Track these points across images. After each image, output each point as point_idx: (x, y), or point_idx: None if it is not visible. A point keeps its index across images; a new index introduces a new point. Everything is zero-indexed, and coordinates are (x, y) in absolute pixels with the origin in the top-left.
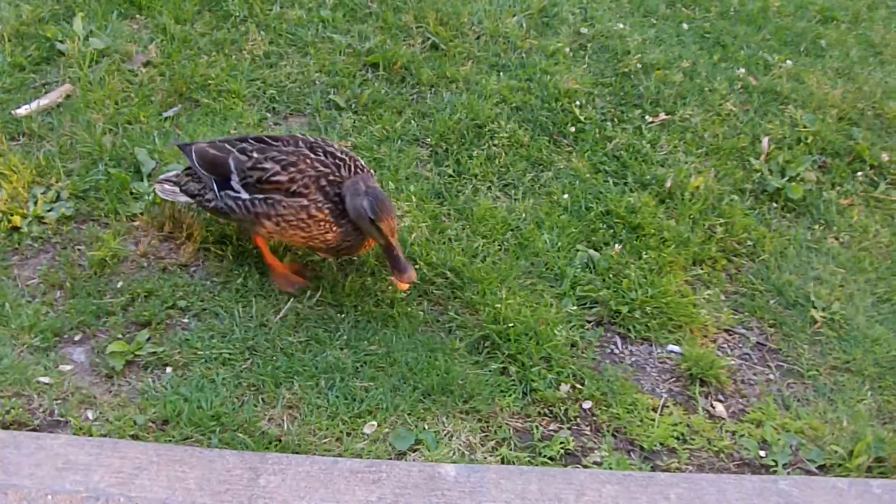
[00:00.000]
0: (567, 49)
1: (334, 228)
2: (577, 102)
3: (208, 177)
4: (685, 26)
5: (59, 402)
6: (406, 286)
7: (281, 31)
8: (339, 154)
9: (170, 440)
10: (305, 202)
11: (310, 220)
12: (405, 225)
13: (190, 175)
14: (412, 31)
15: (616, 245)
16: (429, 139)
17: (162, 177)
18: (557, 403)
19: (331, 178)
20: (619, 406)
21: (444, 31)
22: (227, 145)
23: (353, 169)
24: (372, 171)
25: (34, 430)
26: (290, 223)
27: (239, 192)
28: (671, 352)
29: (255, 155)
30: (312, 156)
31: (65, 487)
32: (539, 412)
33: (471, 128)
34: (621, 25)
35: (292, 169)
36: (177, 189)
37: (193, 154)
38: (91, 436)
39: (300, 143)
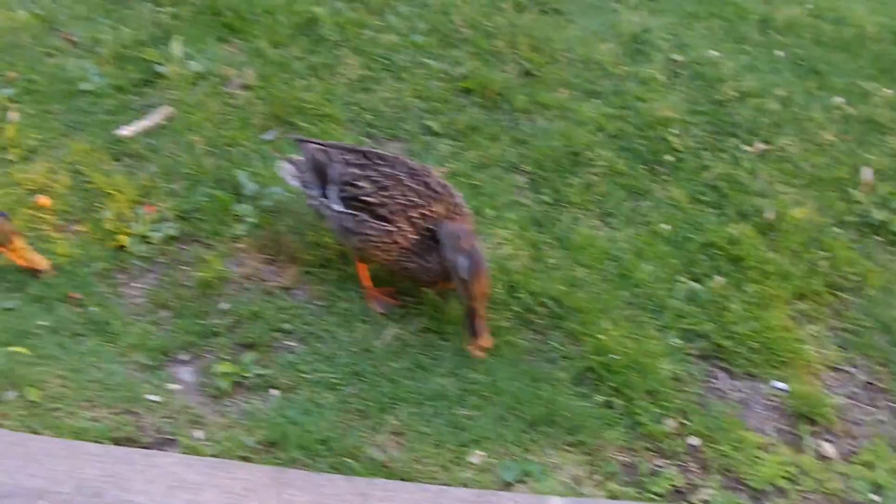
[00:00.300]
0: (660, 76)
1: (416, 260)
2: (673, 130)
3: (314, 179)
4: (779, 53)
5: (167, 420)
6: (480, 353)
7: (375, 56)
8: (436, 187)
9: (278, 462)
10: (391, 228)
11: (393, 245)
12: (506, 253)
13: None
14: (505, 57)
15: (718, 277)
16: (526, 166)
17: (289, 157)
18: (663, 438)
19: (423, 210)
20: (726, 443)
21: (537, 56)
22: (333, 153)
23: (448, 205)
24: (468, 209)
25: (144, 447)
26: (374, 244)
27: (334, 204)
28: (776, 388)
29: (354, 170)
30: (409, 183)
31: None
32: (645, 447)
33: (567, 155)
34: (714, 52)
35: (384, 193)
36: (294, 171)
37: (305, 154)
38: (200, 455)
39: (402, 166)
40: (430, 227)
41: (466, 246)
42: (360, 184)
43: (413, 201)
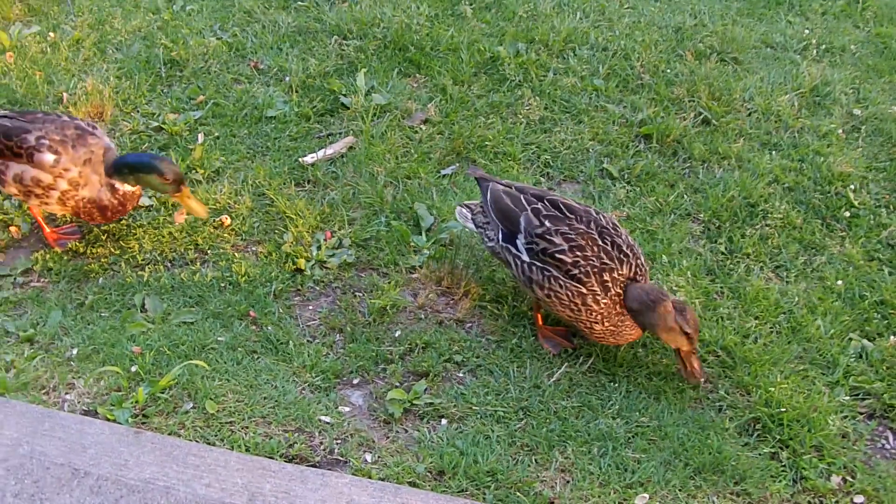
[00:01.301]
0: (840, 130)
1: (605, 323)
2: (851, 186)
3: (496, 223)
4: None
5: (338, 441)
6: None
7: (555, 98)
8: (624, 248)
9: (445, 491)
10: (584, 290)
11: (583, 307)
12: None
13: (482, 206)
14: (684, 105)
15: (891, 337)
16: (701, 215)
17: (463, 203)
18: (828, 495)
19: (614, 274)
20: None
21: (716, 106)
22: (522, 199)
23: (633, 267)
24: (648, 268)
25: (315, 465)
26: (562, 301)
27: (520, 253)
28: None
29: (546, 224)
30: (600, 243)
31: None
32: (809, 502)
33: (743, 206)
34: None
35: (578, 252)
36: (469, 216)
37: (489, 195)
38: (370, 478)
39: (592, 223)
40: (619, 291)
41: (668, 303)
42: (554, 239)
43: (605, 264)
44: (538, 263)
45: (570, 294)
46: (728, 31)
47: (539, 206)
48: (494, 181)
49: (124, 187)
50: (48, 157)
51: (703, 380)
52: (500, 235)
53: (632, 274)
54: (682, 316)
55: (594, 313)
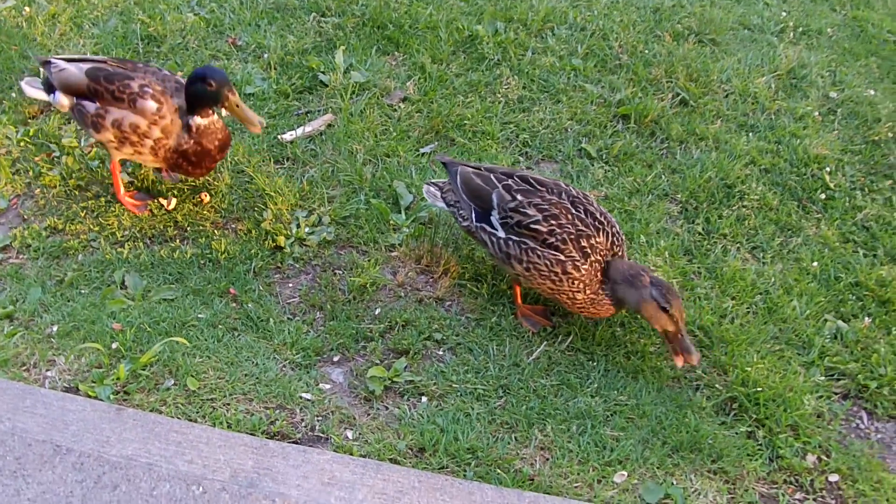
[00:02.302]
0: (816, 113)
1: (587, 291)
2: (827, 169)
3: (468, 203)
4: None
5: (319, 418)
6: (694, 363)
7: (534, 77)
8: (598, 216)
9: (426, 468)
10: (562, 257)
11: (563, 275)
12: None
13: (451, 187)
14: (662, 86)
15: (865, 318)
16: (679, 195)
17: (430, 181)
18: (804, 473)
19: (591, 241)
20: (865, 483)
21: (693, 87)
22: (492, 178)
23: (610, 236)
24: (623, 237)
25: (296, 442)
26: (541, 272)
27: (496, 230)
28: None
29: (518, 197)
30: (574, 211)
31: (330, 502)
32: (785, 480)
33: (720, 187)
34: (872, 92)
35: (553, 221)
36: (438, 194)
37: (458, 178)
38: (352, 455)
39: (563, 194)
40: (600, 259)
41: (651, 279)
42: (528, 211)
43: (581, 231)
44: (514, 237)
45: (549, 263)
46: (706, 13)
47: (509, 182)
48: (462, 164)
49: (195, 121)
50: (151, 105)
51: (694, 361)
52: (474, 215)
53: (608, 243)
54: (658, 290)
55: (575, 281)
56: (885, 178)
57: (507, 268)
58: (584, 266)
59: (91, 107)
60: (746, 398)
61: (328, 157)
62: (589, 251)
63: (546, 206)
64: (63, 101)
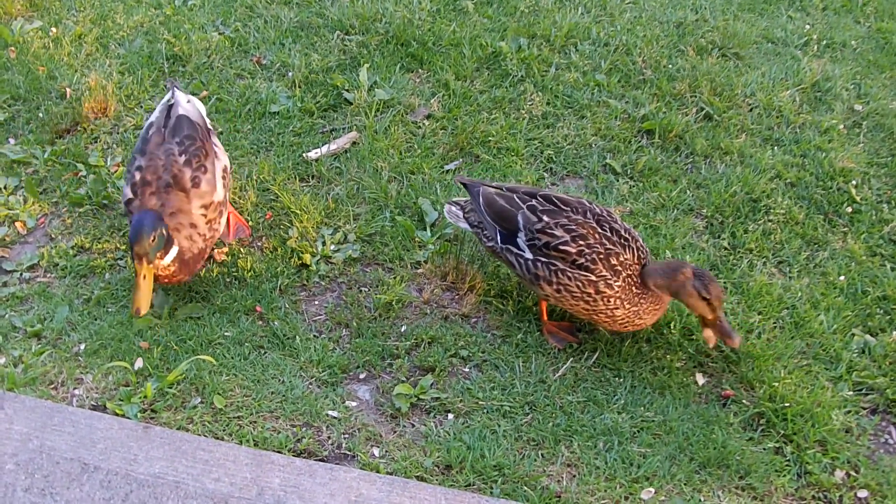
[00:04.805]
0: (841, 126)
1: (626, 305)
2: (853, 182)
3: (492, 225)
4: None
5: (346, 436)
6: (736, 345)
7: (557, 93)
8: (623, 233)
9: (453, 485)
10: (594, 277)
11: (597, 295)
12: None
13: (473, 206)
14: (686, 100)
15: (893, 332)
16: (704, 210)
17: (451, 200)
18: (832, 489)
19: (620, 258)
20: (894, 499)
21: (717, 101)
22: (516, 199)
23: (635, 251)
24: (648, 251)
25: (323, 460)
26: (573, 293)
27: (523, 251)
28: None
29: (545, 218)
30: (600, 230)
31: None
32: (814, 496)
33: (746, 202)
34: None
35: (581, 241)
36: (461, 214)
37: (481, 199)
38: (378, 472)
39: (588, 213)
40: (631, 273)
41: (691, 272)
42: (556, 232)
43: (609, 249)
44: (542, 259)
45: (580, 284)
46: (729, 27)
47: (533, 202)
48: (483, 184)
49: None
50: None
51: (736, 344)
52: (500, 237)
53: (635, 258)
54: (700, 282)
55: (611, 299)
56: None
57: (536, 289)
58: (618, 283)
59: None
60: (774, 413)
61: (353, 175)
62: (619, 268)
63: (573, 227)
64: None
